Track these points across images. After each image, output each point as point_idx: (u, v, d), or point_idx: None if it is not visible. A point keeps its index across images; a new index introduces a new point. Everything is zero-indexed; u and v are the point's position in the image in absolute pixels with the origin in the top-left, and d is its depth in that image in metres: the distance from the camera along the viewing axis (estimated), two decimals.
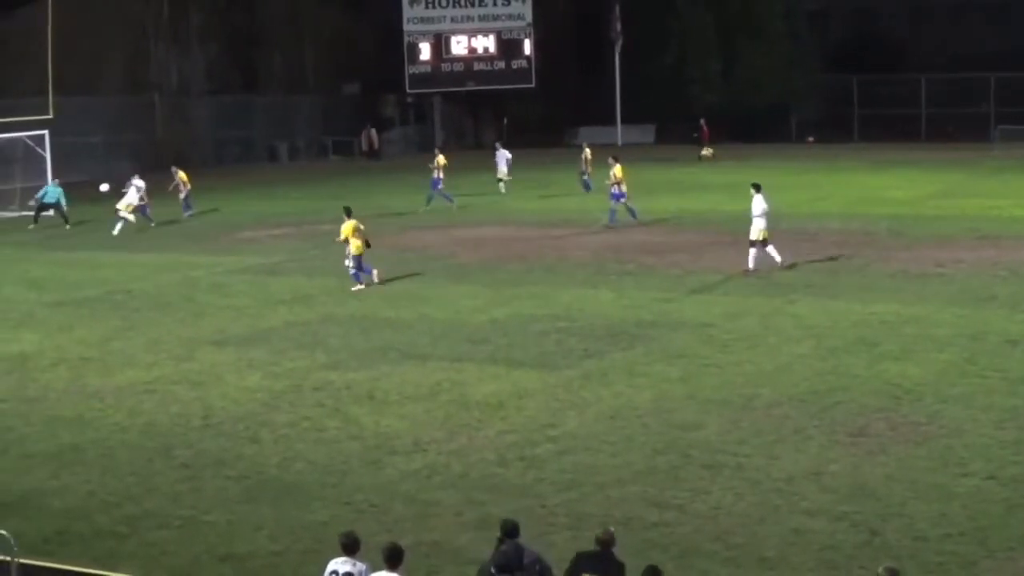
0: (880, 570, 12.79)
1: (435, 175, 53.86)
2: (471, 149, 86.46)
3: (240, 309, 34.29)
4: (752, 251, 37.05)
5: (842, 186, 58.87)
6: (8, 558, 15.12)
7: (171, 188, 55.20)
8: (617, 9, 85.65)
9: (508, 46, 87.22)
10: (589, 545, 16.76)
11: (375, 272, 36.76)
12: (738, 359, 27.00)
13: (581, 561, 13.66)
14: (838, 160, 70.81)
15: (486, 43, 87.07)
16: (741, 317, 31.04)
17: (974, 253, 38.86)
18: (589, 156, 56.81)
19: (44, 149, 56.11)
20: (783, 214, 48.66)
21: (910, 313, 30.80)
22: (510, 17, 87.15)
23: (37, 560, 16.11)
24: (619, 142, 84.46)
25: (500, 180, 59.85)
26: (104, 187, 53.17)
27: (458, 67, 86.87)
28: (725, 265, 37.95)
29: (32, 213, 53.24)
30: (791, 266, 37.10)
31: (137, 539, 18.30)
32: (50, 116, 56.17)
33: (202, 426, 23.71)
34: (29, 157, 56.64)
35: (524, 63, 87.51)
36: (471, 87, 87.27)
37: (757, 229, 37.07)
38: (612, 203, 47.07)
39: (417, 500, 19.33)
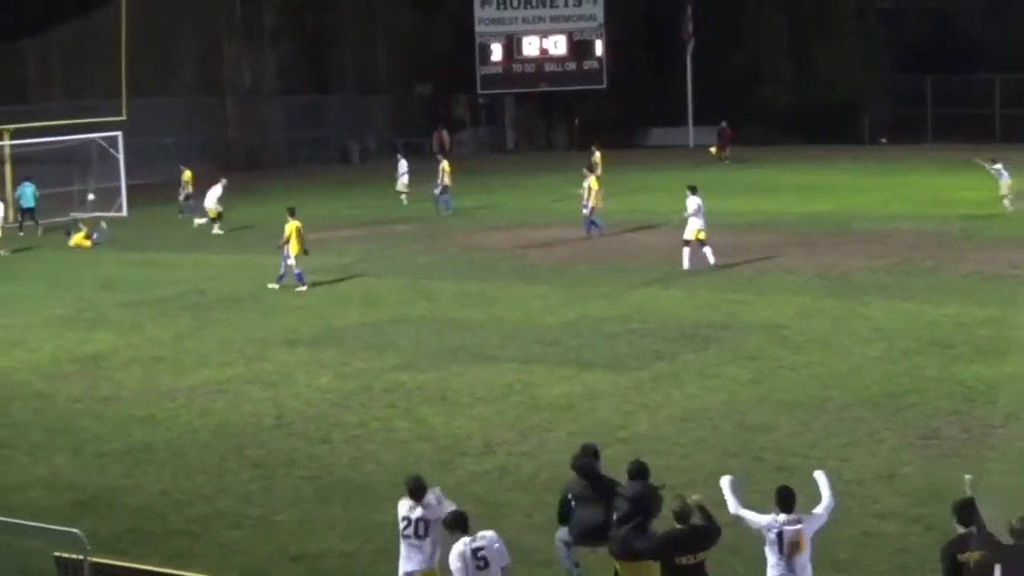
0: (1014, 520, 12.77)
1: (443, 181, 53.74)
2: (543, 150, 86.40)
3: (311, 309, 34.42)
4: (686, 250, 37.84)
5: (915, 187, 58.32)
6: (81, 556, 15.22)
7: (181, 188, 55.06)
8: (689, 10, 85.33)
9: (580, 47, 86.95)
10: None
11: (286, 276, 37.18)
12: (810, 361, 26.87)
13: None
14: (911, 160, 70.20)
15: (558, 44, 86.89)
16: (813, 318, 30.91)
17: None
18: (598, 159, 56.38)
19: (117, 150, 56.50)
20: (855, 216, 48.47)
21: (984, 315, 30.55)
22: (582, 18, 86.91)
23: (109, 559, 16.20)
24: (691, 143, 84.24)
25: (401, 193, 58.34)
26: (91, 196, 54.26)
27: (529, 68, 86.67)
28: (796, 266, 37.79)
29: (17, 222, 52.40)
30: (723, 266, 37.37)
31: (209, 538, 18.41)
32: (123, 117, 56.50)
33: (274, 426, 23.83)
34: (103, 158, 57.04)
35: (596, 64, 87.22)
36: (543, 88, 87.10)
37: (692, 229, 37.90)
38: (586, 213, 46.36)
39: (487, 501, 19.34)
